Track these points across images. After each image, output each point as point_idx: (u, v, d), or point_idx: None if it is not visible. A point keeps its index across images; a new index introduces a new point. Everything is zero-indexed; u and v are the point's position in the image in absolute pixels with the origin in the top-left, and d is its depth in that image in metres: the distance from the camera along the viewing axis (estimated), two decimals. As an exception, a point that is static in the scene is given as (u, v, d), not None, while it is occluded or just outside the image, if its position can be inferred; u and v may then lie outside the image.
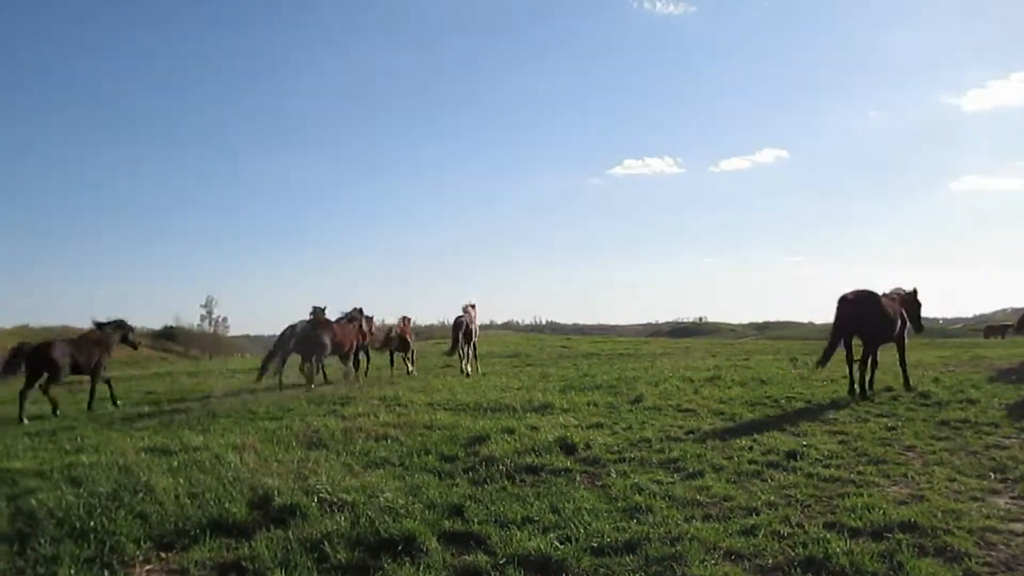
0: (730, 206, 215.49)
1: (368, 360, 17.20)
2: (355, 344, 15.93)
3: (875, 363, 11.24)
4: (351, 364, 16.02)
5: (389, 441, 8.13)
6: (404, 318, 18.37)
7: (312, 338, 14.60)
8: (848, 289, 11.15)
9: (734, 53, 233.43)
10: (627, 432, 8.38)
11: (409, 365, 17.61)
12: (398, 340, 17.31)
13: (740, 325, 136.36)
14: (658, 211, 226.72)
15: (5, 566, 4.88)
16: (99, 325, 13.34)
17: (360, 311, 16.47)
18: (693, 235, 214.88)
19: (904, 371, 11.32)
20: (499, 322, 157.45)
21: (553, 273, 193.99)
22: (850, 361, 11.02)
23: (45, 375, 12.03)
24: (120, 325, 13.61)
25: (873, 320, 10.84)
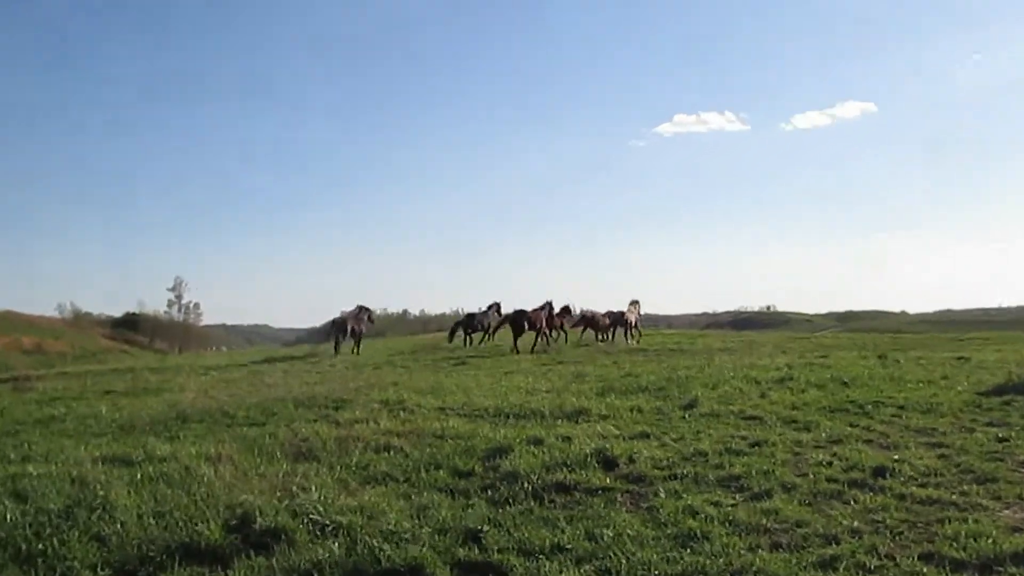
0: (805, 171, 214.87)
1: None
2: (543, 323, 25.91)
3: None
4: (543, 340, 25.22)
5: (392, 452, 8.18)
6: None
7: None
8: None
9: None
10: (678, 444, 8.38)
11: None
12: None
13: (817, 315, 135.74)
14: (716, 178, 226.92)
15: None
16: None
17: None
18: (759, 206, 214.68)
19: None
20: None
21: (584, 254, 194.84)
22: None
23: None
24: None
25: None
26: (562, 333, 28.15)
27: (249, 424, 10.20)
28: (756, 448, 8.08)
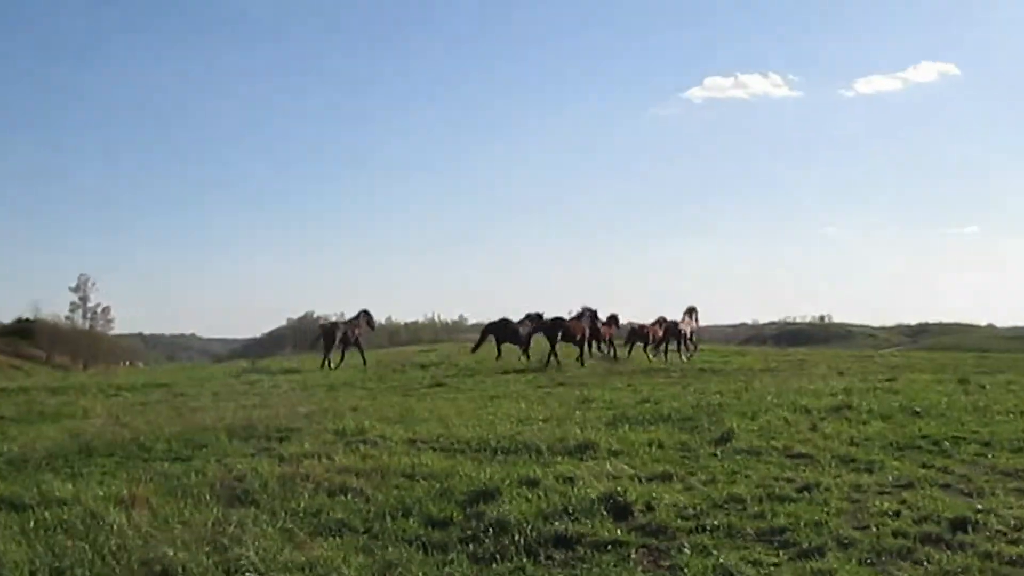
0: (869, 147, 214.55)
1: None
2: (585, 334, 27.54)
3: None
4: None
5: (350, 496, 8.16)
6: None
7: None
8: None
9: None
10: (708, 487, 8.38)
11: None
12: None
13: (883, 328, 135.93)
14: (758, 154, 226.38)
15: None
16: None
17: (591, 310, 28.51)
18: (812, 191, 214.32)
19: None
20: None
21: (591, 248, 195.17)
22: None
23: None
24: None
25: None
26: (611, 347, 30.05)
27: (171, 459, 10.16)
28: (805, 493, 8.08)
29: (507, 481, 8.34)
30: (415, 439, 11.07)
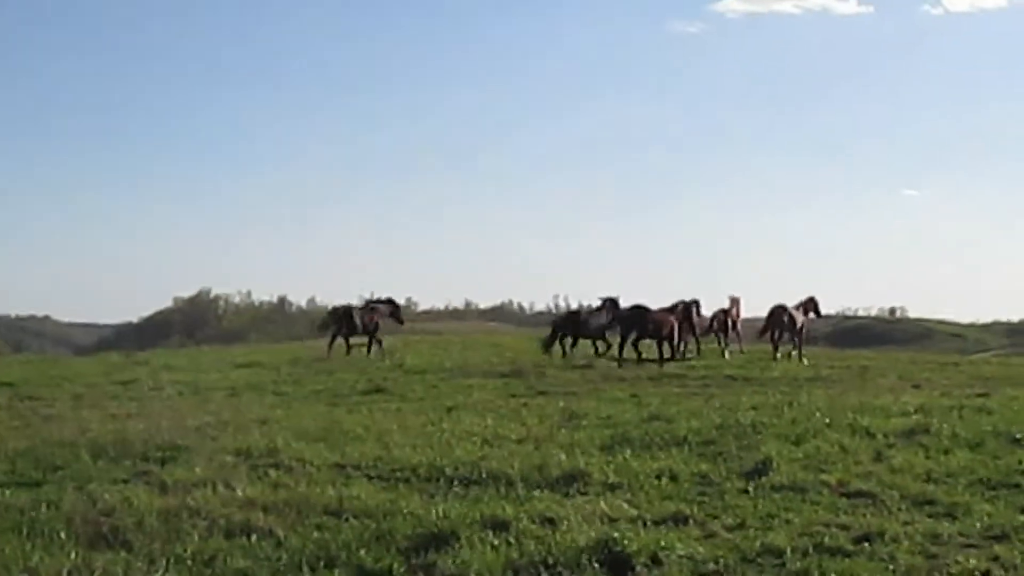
0: (959, 79, 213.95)
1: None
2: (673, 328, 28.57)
3: None
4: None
5: (255, 538, 8.12)
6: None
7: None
8: None
9: None
10: (736, 535, 8.39)
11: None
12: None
13: (973, 327, 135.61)
14: (812, 88, 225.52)
15: None
16: None
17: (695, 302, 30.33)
18: (885, 142, 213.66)
19: None
20: (482, 306, 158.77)
21: (586, 216, 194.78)
22: None
23: None
24: None
25: None
26: (693, 342, 31.17)
27: (14, 484, 10.06)
28: (865, 545, 8.05)
29: (467, 522, 8.31)
30: (344, 464, 11.03)
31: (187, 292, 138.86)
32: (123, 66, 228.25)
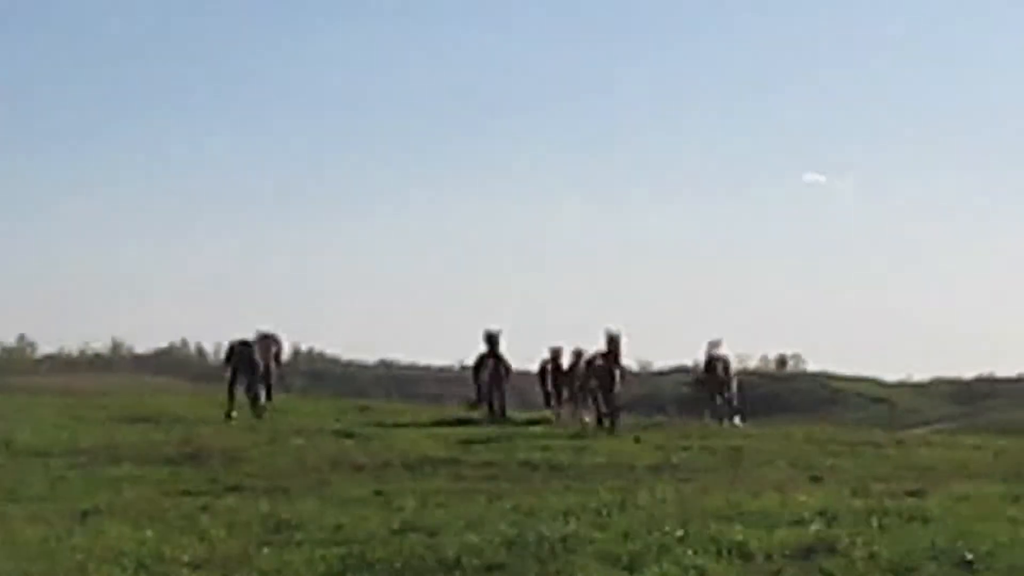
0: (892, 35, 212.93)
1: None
2: None
3: None
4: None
5: None
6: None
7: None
8: None
9: None
10: None
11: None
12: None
13: (904, 386, 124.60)
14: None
15: None
16: None
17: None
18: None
19: None
20: (138, 350, 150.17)
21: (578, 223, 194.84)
22: None
23: None
24: None
25: None
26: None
27: None
28: None
29: None
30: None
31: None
32: None
